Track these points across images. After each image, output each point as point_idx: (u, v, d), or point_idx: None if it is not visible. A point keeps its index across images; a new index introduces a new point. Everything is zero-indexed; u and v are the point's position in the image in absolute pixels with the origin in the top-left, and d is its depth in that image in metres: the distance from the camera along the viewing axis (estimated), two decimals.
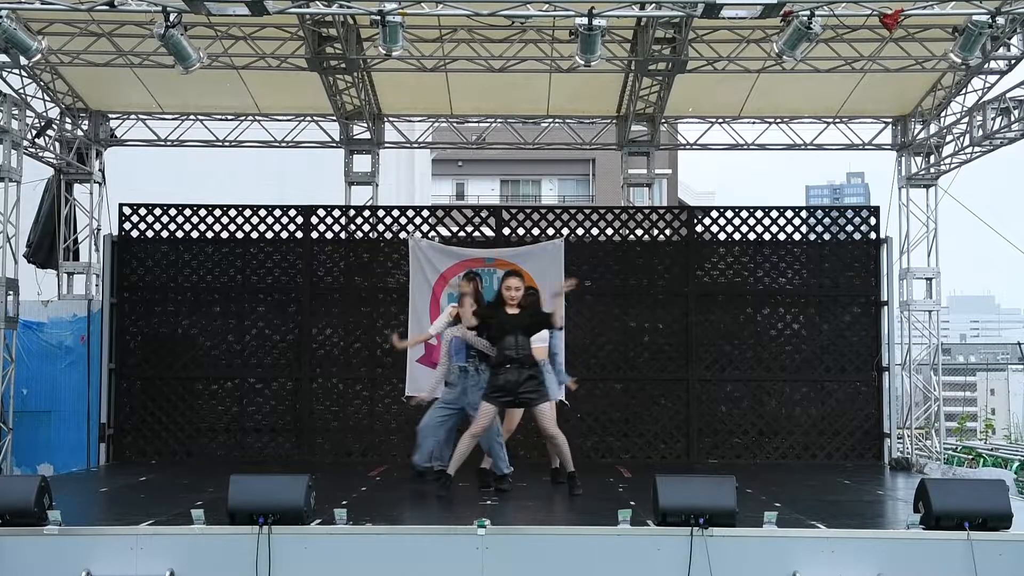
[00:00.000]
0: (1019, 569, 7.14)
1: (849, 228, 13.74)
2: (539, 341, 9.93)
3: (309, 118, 14.50)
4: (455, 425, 10.08)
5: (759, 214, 13.63)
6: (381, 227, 13.62)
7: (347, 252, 13.62)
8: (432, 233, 13.77)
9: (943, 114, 13.57)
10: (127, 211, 13.58)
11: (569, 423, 13.18)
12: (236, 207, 13.61)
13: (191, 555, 7.21)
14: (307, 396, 13.35)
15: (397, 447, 13.27)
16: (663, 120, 14.47)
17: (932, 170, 13.95)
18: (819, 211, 14.07)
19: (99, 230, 14.22)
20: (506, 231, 13.56)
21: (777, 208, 13.72)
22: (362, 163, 14.88)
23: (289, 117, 14.48)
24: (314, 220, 13.56)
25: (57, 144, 13.82)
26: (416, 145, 16.04)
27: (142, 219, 13.54)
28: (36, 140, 13.20)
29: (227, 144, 14.78)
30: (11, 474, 11.85)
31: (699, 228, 13.72)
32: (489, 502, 9.07)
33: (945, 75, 12.90)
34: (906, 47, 11.70)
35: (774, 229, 13.60)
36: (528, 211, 13.80)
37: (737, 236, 13.60)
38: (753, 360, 13.46)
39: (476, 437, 9.33)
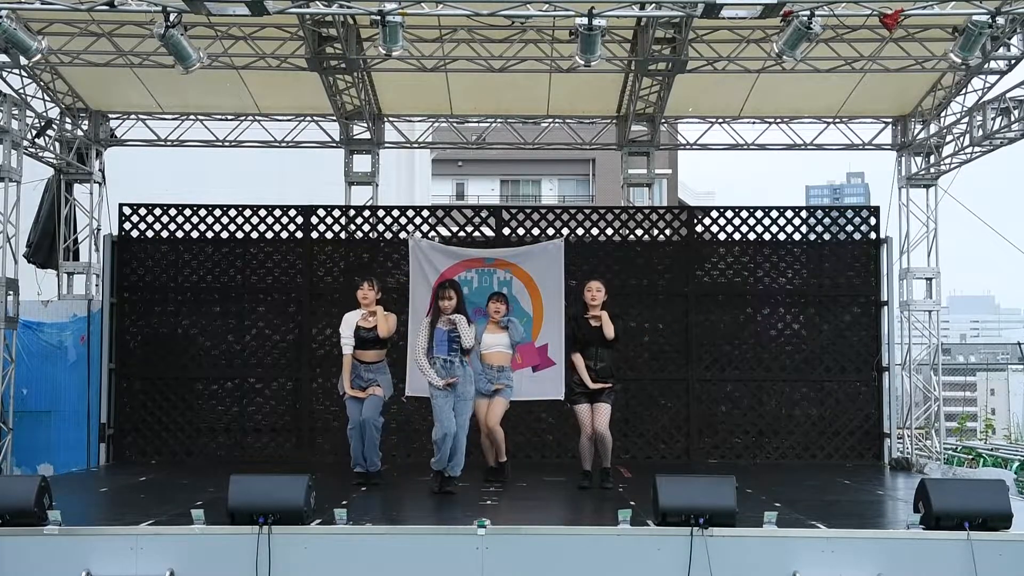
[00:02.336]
0: (1019, 569, 7.14)
1: (849, 228, 13.74)
2: (504, 347, 10.35)
3: (309, 118, 14.51)
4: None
5: (759, 214, 13.63)
6: (381, 227, 13.62)
7: (347, 252, 13.61)
8: (432, 233, 13.76)
9: (943, 114, 13.56)
10: (127, 211, 13.58)
11: (569, 423, 13.19)
12: (236, 207, 13.61)
13: (191, 555, 7.21)
14: (307, 396, 13.35)
15: (397, 447, 13.27)
16: (663, 120, 14.47)
17: (932, 170, 13.95)
18: (819, 211, 14.07)
19: (99, 230, 14.22)
20: (506, 231, 13.56)
21: (777, 208, 13.72)
22: (362, 163, 14.87)
23: (289, 117, 14.49)
24: (314, 220, 13.56)
25: (57, 144, 13.82)
26: (416, 145, 16.04)
27: (142, 219, 13.54)
28: (36, 140, 13.20)
29: (227, 144, 14.78)
30: (11, 474, 11.85)
31: (699, 228, 13.72)
32: (489, 502, 9.07)
33: (945, 75, 12.90)
34: (906, 47, 11.70)
35: (774, 229, 13.60)
36: (528, 211, 13.80)
37: (737, 236, 13.59)
38: (753, 360, 13.45)
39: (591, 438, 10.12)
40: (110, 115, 14.41)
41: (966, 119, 12.92)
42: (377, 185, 14.86)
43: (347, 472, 10.68)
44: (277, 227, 13.57)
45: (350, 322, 10.28)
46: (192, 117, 14.43)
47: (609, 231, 13.77)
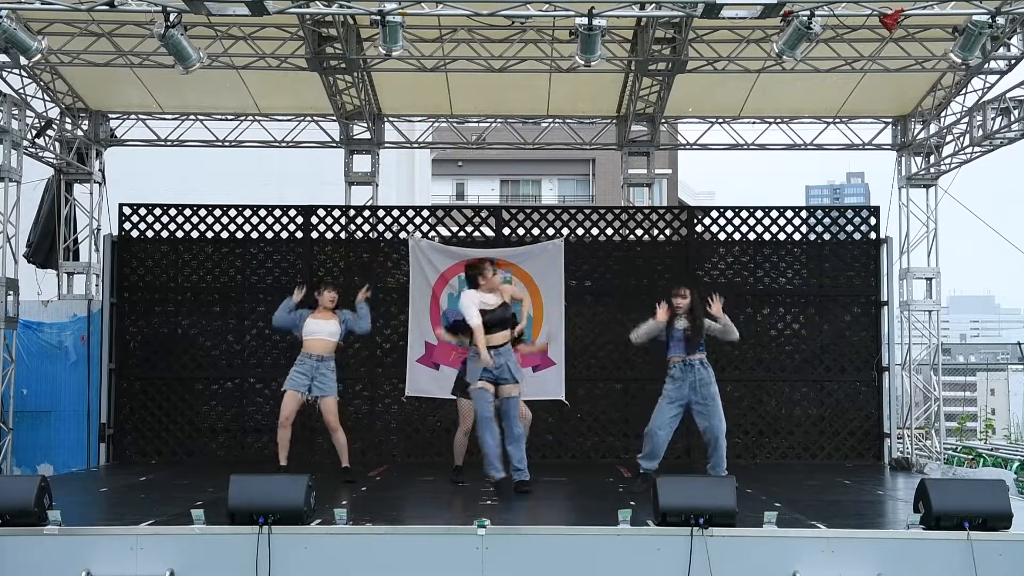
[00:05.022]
0: (1019, 569, 7.14)
1: (849, 228, 13.74)
2: (328, 335, 10.35)
3: (309, 118, 14.50)
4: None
5: (759, 214, 13.63)
6: (381, 227, 13.62)
7: (347, 252, 13.61)
8: (432, 233, 13.76)
9: (943, 114, 13.56)
10: (127, 211, 13.58)
11: (569, 423, 13.23)
12: (236, 207, 13.61)
13: (191, 555, 7.20)
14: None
15: (397, 447, 13.30)
16: (663, 120, 14.47)
17: (932, 170, 13.95)
18: (819, 211, 14.08)
19: (99, 230, 14.22)
20: (506, 231, 13.56)
21: (777, 208, 13.72)
22: (362, 163, 14.87)
23: (289, 117, 14.48)
24: (314, 220, 13.56)
25: (57, 144, 13.81)
26: (416, 145, 16.03)
27: (142, 219, 13.54)
28: (36, 140, 13.20)
29: (227, 144, 14.78)
30: (11, 474, 11.85)
31: (699, 228, 13.72)
32: (489, 502, 9.07)
33: (945, 75, 12.89)
34: (906, 47, 11.70)
35: (774, 229, 13.60)
36: (528, 211, 13.80)
37: (737, 236, 13.59)
38: (753, 360, 13.45)
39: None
40: (110, 115, 14.41)
41: (966, 119, 12.92)
42: (377, 185, 14.86)
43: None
44: (277, 227, 13.57)
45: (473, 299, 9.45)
46: (192, 117, 14.43)
47: (609, 231, 13.77)
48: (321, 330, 10.39)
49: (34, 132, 13.09)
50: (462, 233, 13.73)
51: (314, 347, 10.38)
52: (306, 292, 10.82)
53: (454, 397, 10.70)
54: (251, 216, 13.57)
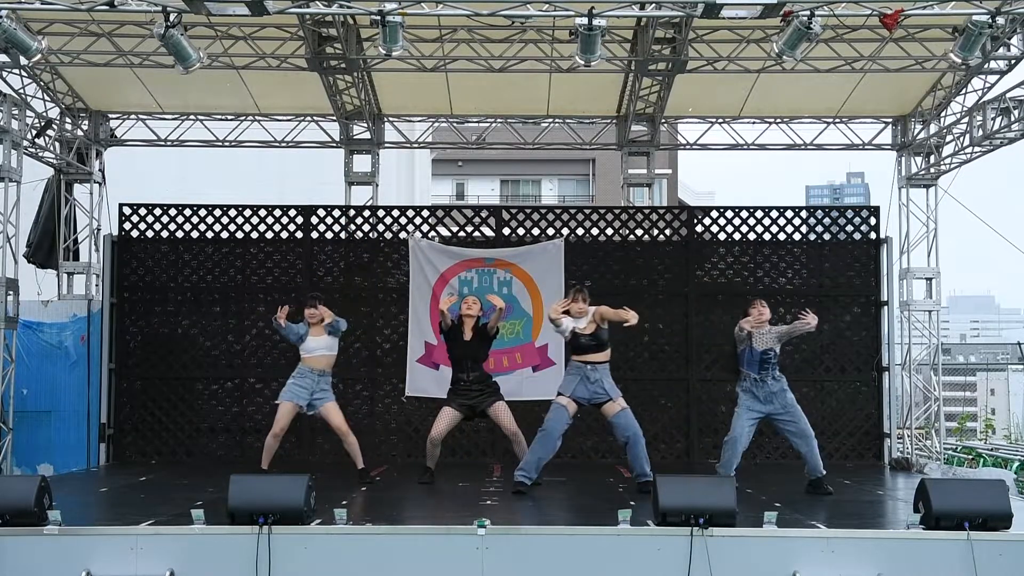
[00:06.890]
0: (1019, 569, 7.14)
1: (849, 228, 13.75)
2: (326, 350, 10.42)
3: (309, 118, 14.50)
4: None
5: (759, 214, 13.63)
6: (381, 227, 13.62)
7: (347, 252, 13.62)
8: (432, 233, 13.77)
9: (943, 114, 13.56)
10: (127, 211, 13.58)
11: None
12: (236, 207, 13.61)
13: (191, 555, 7.21)
14: None
15: (397, 447, 13.29)
16: (663, 120, 14.47)
17: (932, 170, 13.95)
18: (819, 211, 14.08)
19: (99, 230, 14.22)
20: (506, 231, 13.56)
21: (777, 208, 13.72)
22: (362, 163, 14.87)
23: (289, 117, 14.49)
24: (314, 220, 13.56)
25: (57, 144, 13.82)
26: (416, 145, 16.03)
27: (142, 219, 13.55)
28: (36, 140, 13.20)
29: (227, 144, 14.78)
30: (11, 474, 11.85)
31: (699, 228, 13.72)
32: (489, 502, 9.07)
33: (945, 75, 12.90)
34: (906, 47, 11.70)
35: (774, 229, 13.60)
36: (528, 211, 13.80)
37: (737, 236, 13.59)
38: None
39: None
40: (110, 115, 14.41)
41: (966, 119, 12.92)
42: (377, 185, 14.86)
43: (347, 472, 10.66)
44: (277, 227, 13.57)
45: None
46: (192, 117, 14.43)
47: (609, 231, 13.78)
48: (320, 346, 10.45)
49: (34, 132, 13.09)
50: (462, 233, 13.73)
51: (316, 363, 10.45)
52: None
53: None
54: (251, 216, 13.57)
